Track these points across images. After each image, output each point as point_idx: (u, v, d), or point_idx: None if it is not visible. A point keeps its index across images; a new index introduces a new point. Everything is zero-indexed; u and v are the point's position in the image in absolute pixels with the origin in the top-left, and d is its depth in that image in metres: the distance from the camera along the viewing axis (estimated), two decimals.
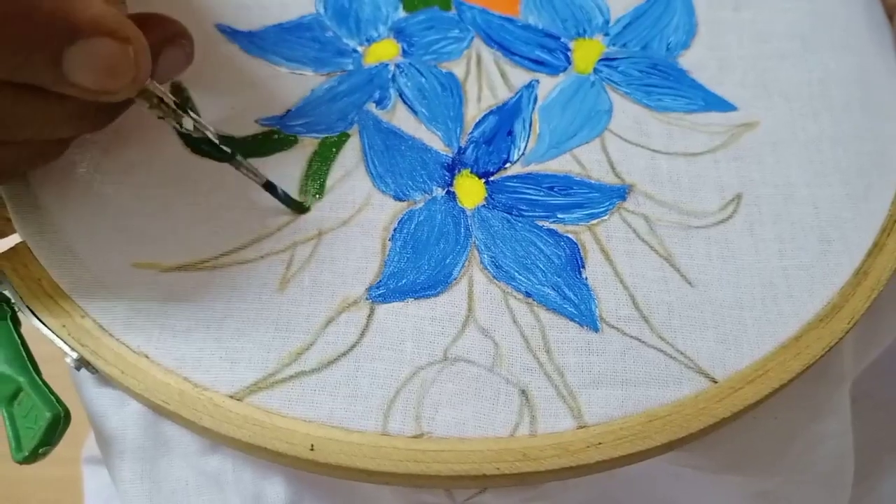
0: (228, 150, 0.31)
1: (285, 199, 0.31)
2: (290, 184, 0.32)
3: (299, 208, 0.31)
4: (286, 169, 0.32)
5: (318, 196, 0.32)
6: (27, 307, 0.30)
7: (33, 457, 0.28)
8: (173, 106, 0.29)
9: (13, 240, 0.31)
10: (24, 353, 0.29)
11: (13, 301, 0.30)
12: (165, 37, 0.30)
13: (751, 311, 0.30)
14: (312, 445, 0.27)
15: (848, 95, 0.35)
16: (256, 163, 0.32)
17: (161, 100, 0.29)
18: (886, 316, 0.35)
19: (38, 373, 0.29)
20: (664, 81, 0.35)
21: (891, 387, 0.45)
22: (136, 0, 0.31)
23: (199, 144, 0.32)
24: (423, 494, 0.30)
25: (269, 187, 0.31)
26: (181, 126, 0.30)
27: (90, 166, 0.32)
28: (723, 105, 0.35)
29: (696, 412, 0.28)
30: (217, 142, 0.30)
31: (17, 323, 0.30)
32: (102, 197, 0.31)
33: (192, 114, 0.30)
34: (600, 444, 0.28)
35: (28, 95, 0.26)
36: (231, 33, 0.35)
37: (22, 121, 0.27)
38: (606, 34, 0.36)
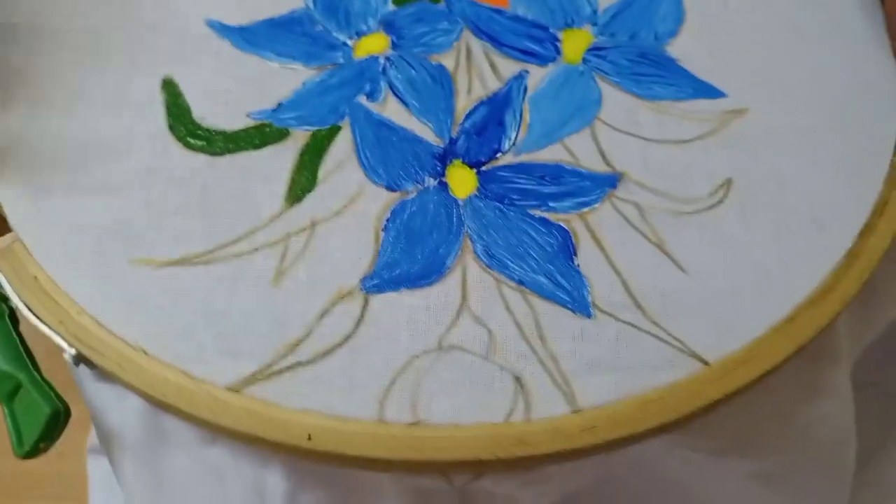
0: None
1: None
2: (281, 175, 0.32)
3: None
4: (278, 161, 0.32)
5: (309, 187, 0.32)
6: (24, 305, 0.30)
7: (34, 451, 0.28)
8: None
9: (9, 239, 0.32)
10: (22, 351, 0.30)
11: (10, 299, 0.30)
12: None
13: (743, 295, 0.31)
14: (310, 435, 0.28)
15: (839, 82, 0.35)
16: (248, 155, 0.32)
17: None
18: (881, 297, 0.35)
19: (38, 369, 0.29)
20: (653, 70, 0.35)
21: None
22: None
23: None
24: (422, 479, 0.31)
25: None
26: None
27: (84, 169, 0.32)
28: (712, 92, 0.35)
29: (690, 395, 0.29)
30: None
31: (15, 321, 0.30)
32: (96, 197, 0.32)
33: None
34: (594, 427, 0.28)
35: None
36: (221, 29, 0.36)
37: None
38: (594, 24, 0.37)
